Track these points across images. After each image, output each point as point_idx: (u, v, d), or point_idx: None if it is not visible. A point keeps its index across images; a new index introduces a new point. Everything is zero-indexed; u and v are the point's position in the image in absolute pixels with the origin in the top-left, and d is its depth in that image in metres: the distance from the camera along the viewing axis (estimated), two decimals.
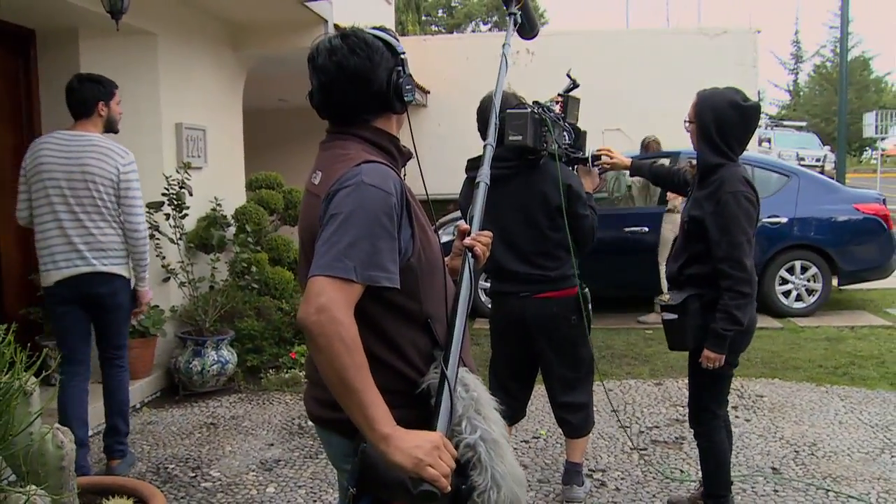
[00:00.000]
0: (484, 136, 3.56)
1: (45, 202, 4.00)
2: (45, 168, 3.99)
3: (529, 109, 3.32)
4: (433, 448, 1.63)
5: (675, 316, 3.32)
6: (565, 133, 3.56)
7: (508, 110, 3.36)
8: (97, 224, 4.02)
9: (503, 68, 2.29)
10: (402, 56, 1.93)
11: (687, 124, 3.37)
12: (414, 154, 2.03)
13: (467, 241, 1.97)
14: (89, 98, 4.12)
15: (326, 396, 1.84)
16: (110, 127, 4.24)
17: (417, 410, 1.80)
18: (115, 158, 4.04)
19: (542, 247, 3.51)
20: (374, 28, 1.96)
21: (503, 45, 2.34)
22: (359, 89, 1.88)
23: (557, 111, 3.57)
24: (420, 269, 1.84)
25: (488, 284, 7.73)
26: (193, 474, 4.25)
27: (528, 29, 2.50)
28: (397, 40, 1.96)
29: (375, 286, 1.71)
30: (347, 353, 1.63)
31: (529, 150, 3.37)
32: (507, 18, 2.45)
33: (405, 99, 1.93)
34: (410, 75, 1.96)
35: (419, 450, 1.61)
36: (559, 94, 3.66)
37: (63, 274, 4.01)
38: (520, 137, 3.28)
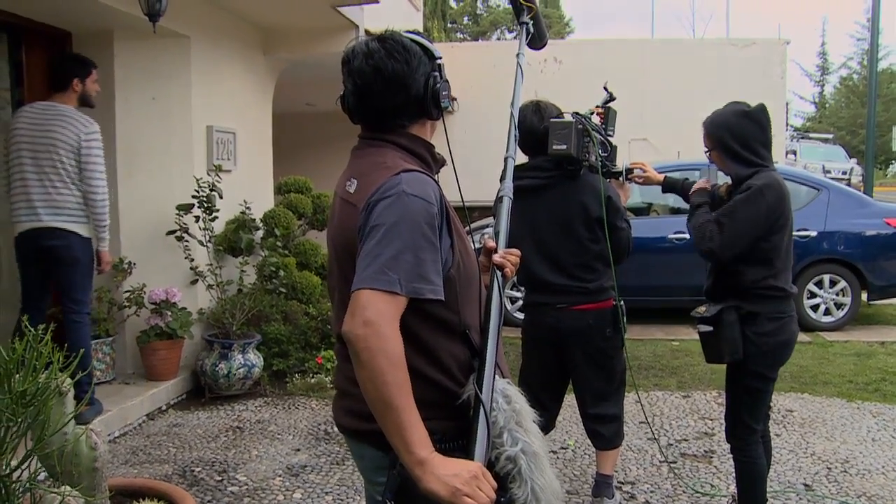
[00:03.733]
0: (524, 147, 3.57)
1: (17, 164, 4.51)
2: (19, 134, 4.52)
3: (574, 119, 3.30)
4: (472, 477, 1.60)
5: (711, 328, 3.28)
6: (600, 146, 3.54)
7: (552, 119, 3.35)
8: (54, 184, 4.50)
9: (519, 77, 2.26)
10: (439, 61, 1.90)
11: (707, 153, 3.34)
12: (449, 161, 1.98)
13: (497, 259, 1.92)
14: (67, 73, 4.62)
15: (360, 407, 1.80)
16: (85, 102, 4.73)
17: (457, 422, 1.77)
18: (77, 127, 4.51)
19: (580, 258, 3.48)
20: (410, 32, 1.92)
21: (517, 55, 2.32)
22: (396, 94, 1.84)
23: (597, 123, 3.55)
24: (459, 279, 1.81)
25: (517, 294, 7.80)
26: (220, 478, 4.25)
27: (537, 39, 2.47)
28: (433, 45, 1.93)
29: (417, 298, 1.68)
30: (391, 370, 1.60)
31: (570, 160, 3.35)
32: (520, 28, 2.41)
33: (442, 105, 1.89)
34: (447, 81, 1.92)
35: (457, 479, 1.59)
36: (598, 106, 3.63)
37: (24, 227, 4.52)
38: (564, 146, 3.27)
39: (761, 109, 3.21)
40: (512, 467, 1.72)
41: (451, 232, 1.80)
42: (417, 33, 1.93)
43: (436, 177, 1.91)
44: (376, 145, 1.89)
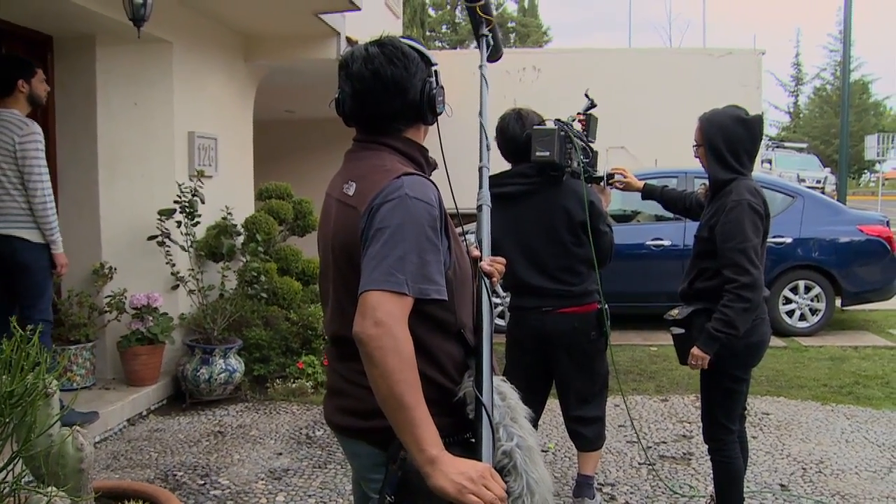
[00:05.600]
0: (507, 154, 3.62)
1: None
2: None
3: (556, 126, 3.36)
4: (479, 476, 1.63)
5: (683, 330, 3.35)
6: (582, 152, 3.60)
7: (535, 126, 3.41)
8: None
9: (484, 88, 2.29)
10: (435, 67, 1.94)
11: (695, 148, 3.39)
12: (443, 165, 2.04)
13: (486, 267, 1.97)
14: (10, 75, 4.48)
15: (354, 405, 1.84)
16: (35, 102, 4.63)
17: (453, 418, 1.82)
18: (13, 130, 4.40)
19: (565, 262, 3.53)
20: (406, 38, 1.96)
21: (479, 66, 2.35)
22: (394, 98, 1.88)
23: (579, 129, 3.61)
24: (455, 279, 1.85)
25: (497, 300, 7.81)
26: (202, 482, 4.25)
27: (493, 51, 2.51)
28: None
29: (419, 298, 1.72)
30: (403, 369, 1.64)
31: (553, 167, 3.40)
32: (479, 40, 2.44)
33: (437, 110, 1.94)
34: (442, 87, 1.96)
35: (463, 476, 1.62)
36: (580, 113, 3.70)
37: None
38: (547, 153, 3.32)
39: (758, 120, 3.28)
40: (507, 461, 1.77)
41: (448, 234, 1.85)
42: (414, 39, 1.98)
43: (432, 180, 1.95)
44: (373, 148, 1.92)
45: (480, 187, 2.13)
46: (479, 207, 2.09)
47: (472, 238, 2.18)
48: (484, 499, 1.61)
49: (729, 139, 3.23)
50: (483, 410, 1.74)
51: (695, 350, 3.20)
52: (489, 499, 1.62)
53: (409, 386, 1.64)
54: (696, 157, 3.41)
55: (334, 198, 1.93)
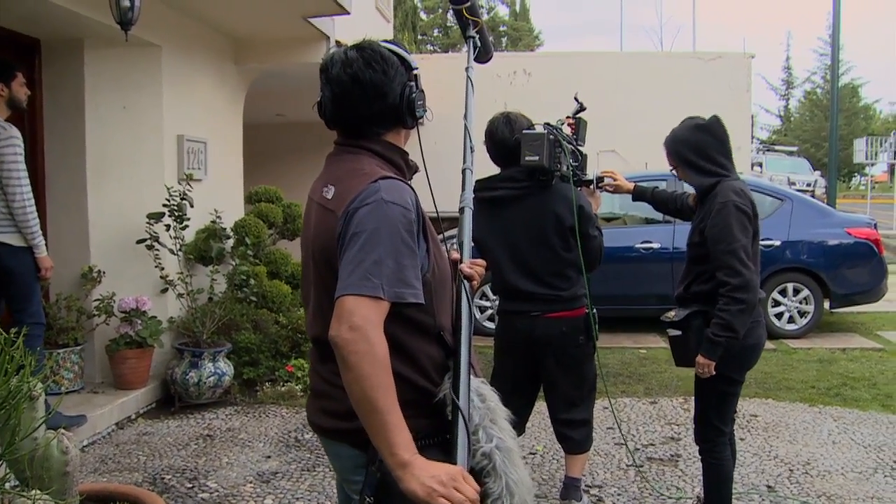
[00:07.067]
0: (496, 159, 3.63)
1: None
2: None
3: (546, 130, 3.37)
4: (450, 479, 1.63)
5: (679, 332, 3.36)
6: (571, 156, 3.61)
7: (524, 131, 3.42)
8: None
9: (470, 91, 2.28)
10: (416, 71, 1.95)
11: (673, 171, 3.45)
12: (423, 169, 2.04)
13: (466, 269, 1.97)
14: None
15: (338, 407, 1.84)
16: (15, 106, 4.58)
17: (432, 420, 1.82)
18: None
19: (554, 267, 3.54)
20: (387, 42, 1.97)
21: (466, 69, 2.34)
22: (373, 102, 1.88)
23: (568, 133, 3.62)
24: (434, 282, 1.86)
25: (486, 303, 7.85)
26: (190, 485, 4.25)
27: (483, 53, 2.51)
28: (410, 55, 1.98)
29: (396, 302, 1.72)
30: (378, 373, 1.64)
31: (542, 171, 3.41)
32: (467, 42, 2.43)
33: (417, 114, 1.94)
34: (422, 91, 1.96)
35: (433, 480, 1.62)
36: (569, 117, 3.71)
37: None
38: (536, 158, 3.33)
39: (715, 121, 3.32)
40: (487, 463, 1.78)
41: (427, 237, 1.85)
42: (395, 43, 1.97)
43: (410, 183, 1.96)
44: (352, 152, 1.93)
45: (463, 189, 2.14)
46: (461, 210, 2.10)
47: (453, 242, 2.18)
48: (453, 501, 1.61)
49: (696, 147, 3.29)
50: (458, 412, 1.74)
51: (699, 358, 3.22)
52: (458, 501, 1.62)
53: (384, 390, 1.65)
54: (680, 180, 3.46)
55: (315, 201, 1.94)
